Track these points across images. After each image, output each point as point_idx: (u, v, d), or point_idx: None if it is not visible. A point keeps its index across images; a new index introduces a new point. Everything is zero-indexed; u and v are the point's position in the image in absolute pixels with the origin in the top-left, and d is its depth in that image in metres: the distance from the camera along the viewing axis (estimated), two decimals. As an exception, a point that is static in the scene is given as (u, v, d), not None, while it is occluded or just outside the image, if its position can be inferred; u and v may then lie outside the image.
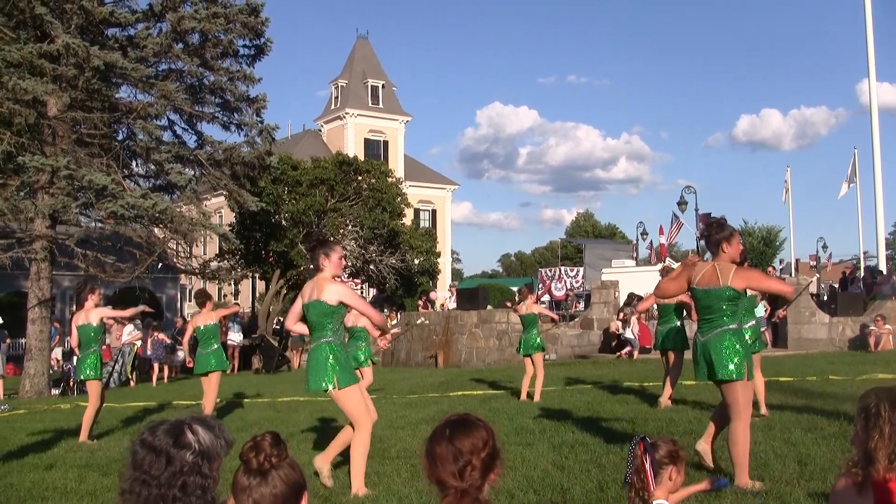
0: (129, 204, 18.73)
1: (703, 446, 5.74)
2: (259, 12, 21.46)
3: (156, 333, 21.86)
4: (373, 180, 32.40)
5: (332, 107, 57.19)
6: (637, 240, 37.05)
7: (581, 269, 33.55)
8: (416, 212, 52.84)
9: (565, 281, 33.24)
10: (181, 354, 22.34)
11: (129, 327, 20.04)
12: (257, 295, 37.77)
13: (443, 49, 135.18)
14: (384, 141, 56.28)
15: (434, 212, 59.16)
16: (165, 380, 20.92)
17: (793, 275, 30.67)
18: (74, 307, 13.43)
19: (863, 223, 38.53)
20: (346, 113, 55.09)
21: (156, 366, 21.24)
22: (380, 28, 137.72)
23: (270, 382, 18.28)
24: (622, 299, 20.89)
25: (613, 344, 19.98)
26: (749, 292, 7.97)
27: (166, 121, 21.71)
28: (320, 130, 58.38)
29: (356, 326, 11.46)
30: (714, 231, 5.54)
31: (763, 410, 8.18)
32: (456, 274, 74.51)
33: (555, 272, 34.78)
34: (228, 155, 22.02)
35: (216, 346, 10.28)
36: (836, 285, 27.80)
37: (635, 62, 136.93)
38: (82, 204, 19.54)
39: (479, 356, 19.85)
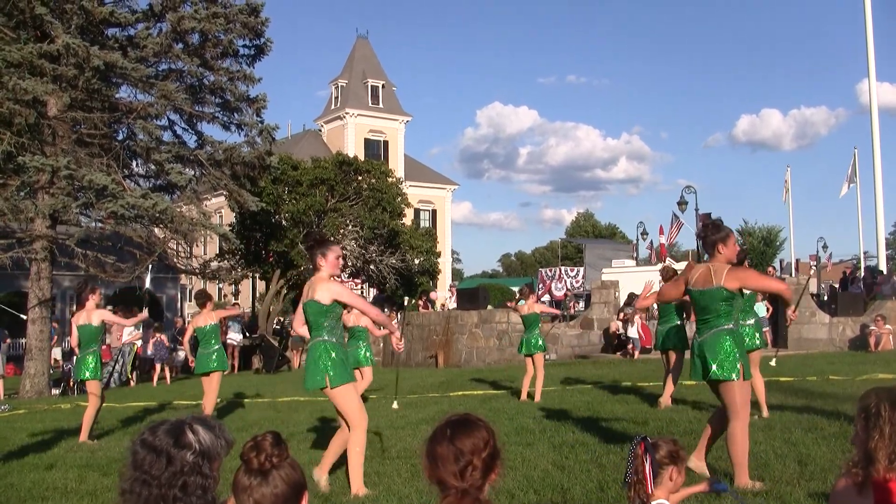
0: (129, 204, 18.73)
1: (696, 463, 5.66)
2: (259, 12, 21.47)
3: (158, 334, 21.89)
4: (373, 180, 32.42)
5: (333, 107, 57.20)
6: (637, 240, 37.04)
7: (581, 269, 33.54)
8: (417, 212, 52.85)
9: (565, 281, 33.23)
10: (182, 354, 22.36)
11: (130, 327, 20.03)
12: (257, 295, 37.77)
13: (443, 49, 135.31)
14: (384, 141, 56.28)
15: (434, 212, 59.16)
16: (167, 380, 20.93)
17: (793, 275, 30.68)
18: (74, 307, 13.44)
19: (863, 223, 38.58)
20: (347, 113, 55.09)
21: (158, 366, 21.25)
22: (380, 28, 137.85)
23: (271, 382, 18.28)
24: (622, 299, 20.90)
25: (615, 343, 19.98)
26: (747, 291, 8.02)
27: (166, 121, 21.73)
28: (320, 130, 58.39)
29: (357, 326, 11.47)
30: (710, 232, 5.58)
31: (765, 412, 8.17)
32: (456, 274, 74.53)
33: (555, 272, 34.77)
34: (228, 155, 22.03)
35: (217, 347, 10.30)
36: (837, 285, 27.79)
37: (635, 62, 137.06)
38: (82, 204, 19.54)
39: (479, 356, 19.85)
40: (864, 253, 36.94)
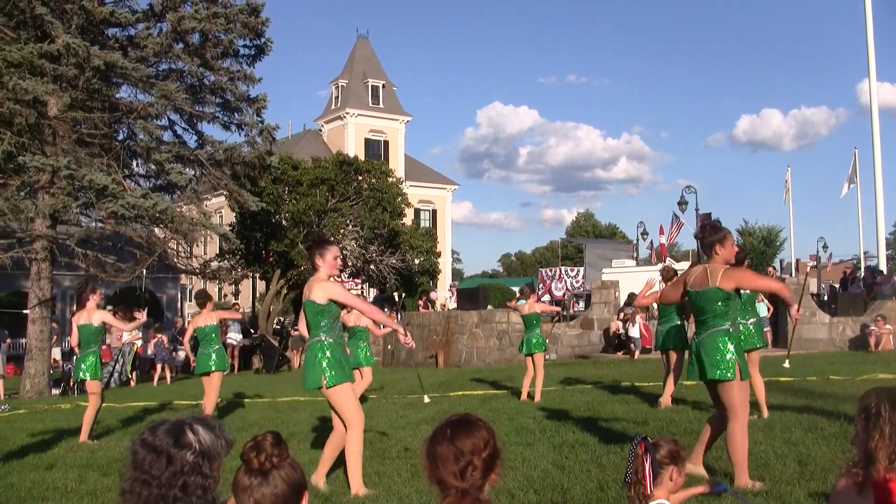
0: (129, 204, 18.74)
1: (691, 468, 5.68)
2: (259, 12, 21.48)
3: (159, 335, 21.92)
4: (373, 180, 32.42)
5: (333, 107, 57.20)
6: (637, 240, 37.02)
7: (581, 268, 33.54)
8: (417, 212, 52.84)
9: (566, 281, 33.23)
10: (182, 354, 22.38)
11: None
12: (258, 295, 37.78)
13: (443, 49, 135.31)
14: (384, 141, 56.28)
15: (434, 212, 59.16)
16: (167, 380, 20.94)
17: (793, 275, 30.66)
18: (75, 307, 13.45)
19: (863, 223, 38.56)
20: (347, 113, 55.09)
21: (159, 366, 21.29)
22: (380, 28, 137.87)
23: (271, 382, 18.28)
24: (622, 299, 20.89)
25: (615, 343, 19.98)
26: (744, 291, 8.01)
27: (167, 121, 21.74)
28: (321, 130, 58.38)
29: (357, 326, 11.48)
30: (707, 234, 5.61)
31: (765, 413, 8.17)
32: (456, 274, 74.54)
33: (555, 272, 34.77)
34: (229, 155, 22.04)
35: (217, 347, 10.30)
36: (837, 285, 27.79)
37: (635, 62, 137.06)
38: (83, 204, 19.55)
39: (479, 356, 19.85)
40: (865, 253, 36.94)
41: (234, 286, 41.47)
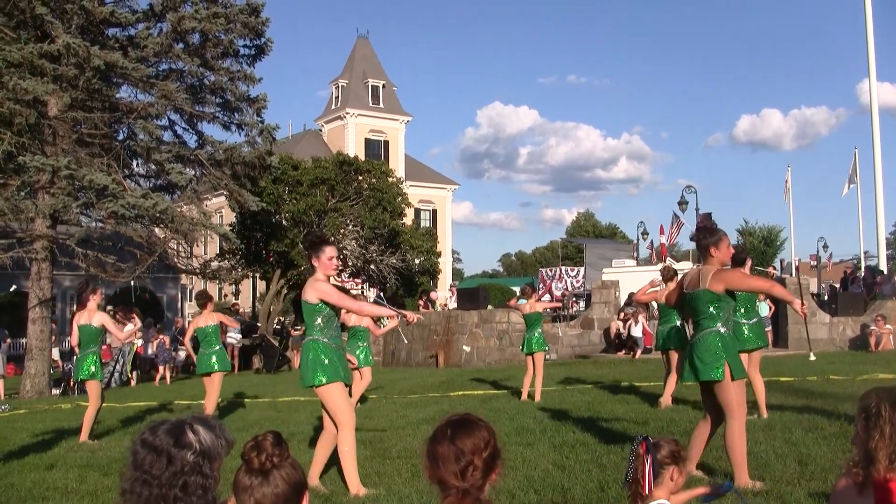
0: (129, 204, 18.74)
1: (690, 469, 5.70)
2: (259, 12, 21.47)
3: (160, 335, 21.95)
4: (373, 180, 32.43)
5: (333, 107, 57.21)
6: (638, 240, 37.02)
7: (581, 268, 33.53)
8: (417, 212, 52.85)
9: (566, 281, 33.23)
10: (182, 354, 22.40)
11: (129, 326, 20.03)
12: (258, 295, 37.79)
13: (443, 49, 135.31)
14: (385, 141, 56.29)
15: (434, 212, 59.17)
16: (167, 380, 20.96)
17: (793, 274, 30.65)
18: (75, 307, 13.46)
19: (863, 223, 38.54)
20: (347, 113, 55.10)
21: (161, 367, 21.35)
22: (380, 28, 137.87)
23: (271, 382, 18.29)
24: (622, 299, 20.89)
25: (615, 343, 19.98)
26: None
27: (167, 121, 21.74)
28: (321, 130, 58.39)
29: (358, 326, 11.47)
30: (702, 236, 5.68)
31: (764, 414, 8.17)
32: (456, 274, 74.54)
33: (555, 272, 34.77)
34: (229, 155, 22.04)
35: (218, 347, 10.31)
36: (837, 285, 27.78)
37: (635, 62, 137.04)
38: (83, 204, 19.55)
39: (479, 356, 19.85)
40: (865, 253, 36.93)
41: (234, 286, 41.48)
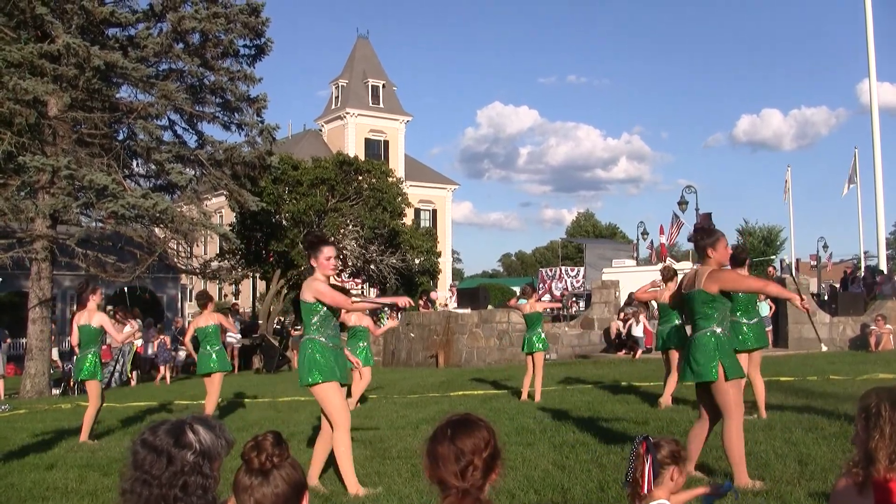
0: (129, 204, 18.74)
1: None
2: (259, 12, 21.47)
3: (161, 336, 21.97)
4: (373, 180, 32.42)
5: (333, 107, 57.20)
6: (638, 240, 37.01)
7: (581, 268, 33.52)
8: (417, 211, 52.85)
9: (566, 281, 33.22)
10: (182, 354, 22.41)
11: (128, 327, 20.05)
12: (258, 295, 37.79)
13: (443, 49, 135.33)
14: (385, 141, 56.28)
15: (434, 211, 59.17)
16: (167, 380, 20.97)
17: (793, 274, 30.65)
18: (75, 307, 13.45)
19: (863, 223, 38.53)
20: (347, 113, 55.10)
21: (162, 367, 21.37)
22: (380, 28, 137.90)
23: (271, 382, 18.28)
24: (622, 299, 20.89)
25: (615, 343, 19.97)
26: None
27: (167, 121, 21.74)
28: (321, 130, 58.39)
29: (358, 326, 11.48)
30: (699, 237, 5.74)
31: (763, 414, 8.17)
32: (456, 274, 74.55)
33: (555, 272, 34.77)
34: (229, 155, 22.03)
35: (218, 348, 10.32)
36: (837, 285, 27.77)
37: (635, 62, 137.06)
38: (83, 204, 19.55)
39: (479, 356, 19.85)
40: (865, 252, 36.91)
41: (234, 286, 41.48)
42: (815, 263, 41.24)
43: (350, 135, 54.92)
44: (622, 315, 20.22)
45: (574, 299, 27.90)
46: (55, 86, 18.10)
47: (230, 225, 28.84)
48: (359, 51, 57.98)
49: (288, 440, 2.22)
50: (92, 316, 9.35)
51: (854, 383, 10.78)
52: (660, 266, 15.51)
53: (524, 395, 11.17)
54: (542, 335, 11.34)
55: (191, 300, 47.15)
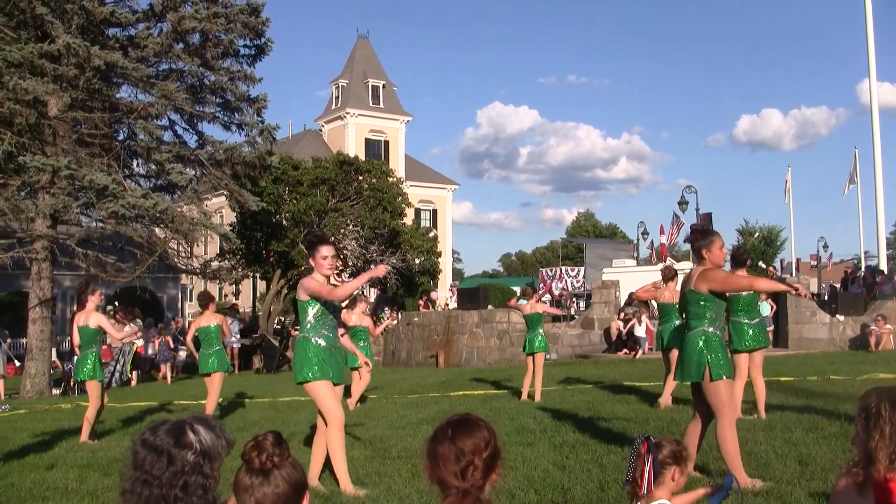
0: (129, 204, 18.74)
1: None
2: (260, 12, 21.47)
3: (163, 335, 21.99)
4: (373, 180, 32.40)
5: (333, 107, 57.21)
6: (638, 240, 37.01)
7: (582, 268, 33.54)
8: (417, 211, 52.85)
9: (566, 281, 33.24)
10: (182, 354, 22.42)
11: (129, 327, 20.06)
12: (258, 295, 37.78)
13: (443, 49, 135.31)
14: (385, 141, 56.29)
15: (435, 211, 59.17)
16: (168, 380, 20.98)
17: (793, 274, 30.68)
18: (75, 307, 13.44)
19: (863, 222, 38.51)
20: (347, 113, 55.10)
21: (163, 367, 21.37)
22: (380, 28, 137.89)
23: (271, 382, 18.28)
24: (623, 299, 20.89)
25: (615, 343, 19.96)
26: (746, 291, 8.03)
27: (167, 121, 21.74)
28: (321, 130, 58.39)
29: (358, 326, 11.49)
30: (694, 239, 5.82)
31: (762, 415, 8.16)
32: (457, 274, 74.53)
33: (556, 272, 34.78)
34: (229, 155, 22.03)
35: (218, 348, 10.34)
36: (838, 285, 27.77)
37: (635, 62, 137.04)
38: (83, 204, 19.55)
39: (479, 356, 19.85)
40: (865, 252, 36.91)
41: (234, 286, 41.47)
42: (816, 263, 41.27)
43: (350, 135, 54.93)
44: (622, 315, 20.22)
45: (573, 299, 27.92)
46: (55, 86, 18.10)
47: (230, 225, 28.84)
48: (359, 51, 57.98)
49: (288, 440, 2.22)
50: (89, 317, 9.36)
51: (854, 383, 10.78)
52: (660, 266, 15.53)
53: (524, 396, 11.17)
54: (543, 336, 11.35)
55: (191, 300, 47.17)
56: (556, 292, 32.30)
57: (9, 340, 20.98)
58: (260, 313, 30.35)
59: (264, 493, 2.11)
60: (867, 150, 28.05)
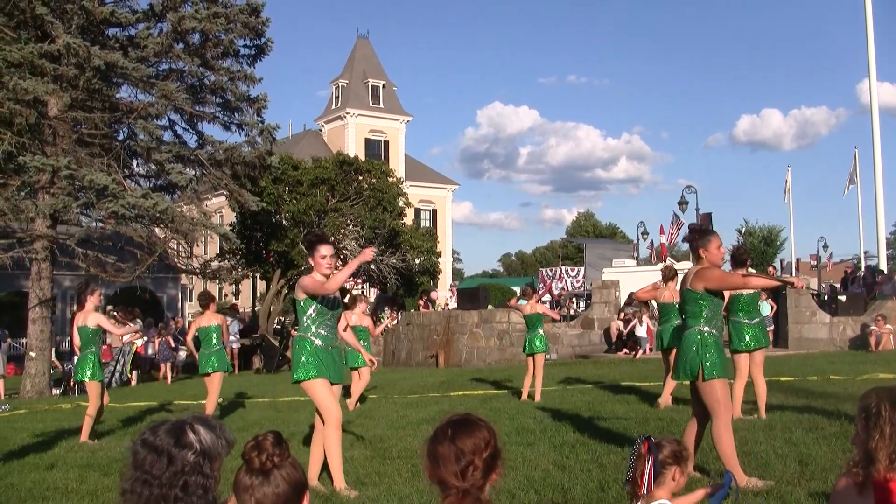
0: (129, 204, 18.73)
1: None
2: (260, 12, 21.47)
3: (164, 335, 21.99)
4: (373, 180, 32.39)
5: (333, 107, 57.20)
6: (638, 239, 37.03)
7: (582, 268, 33.56)
8: (417, 212, 52.84)
9: (566, 281, 33.25)
10: (182, 354, 22.42)
11: (129, 326, 20.06)
12: (258, 295, 37.78)
13: (443, 49, 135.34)
14: (385, 141, 56.28)
15: (435, 211, 59.16)
16: (168, 380, 20.97)
17: (793, 274, 30.65)
18: (75, 307, 13.43)
19: (863, 222, 38.52)
20: (347, 113, 55.09)
21: (163, 366, 21.37)
22: (380, 28, 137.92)
23: (271, 382, 18.28)
24: (623, 299, 20.89)
25: (615, 343, 19.96)
26: (746, 291, 8.04)
27: (167, 121, 21.74)
28: (321, 130, 58.38)
29: (358, 326, 11.48)
30: (692, 238, 5.85)
31: (763, 415, 8.16)
32: (457, 274, 74.54)
33: (555, 272, 34.79)
34: (229, 155, 22.03)
35: (217, 348, 10.34)
36: (838, 285, 27.77)
37: (635, 62, 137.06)
38: (83, 204, 19.55)
39: (479, 356, 19.85)
40: (865, 252, 36.93)
41: (234, 286, 41.45)
42: (816, 263, 41.28)
43: (350, 135, 54.93)
44: (622, 315, 20.22)
45: (572, 299, 27.91)
46: (55, 86, 18.10)
47: (230, 225, 28.83)
48: (359, 51, 57.98)
49: (288, 440, 2.22)
50: (87, 317, 9.37)
51: (854, 383, 10.78)
52: (660, 266, 15.53)
53: (524, 396, 11.17)
54: (543, 336, 11.35)
55: (191, 300, 47.19)
56: (556, 292, 32.31)
57: (8, 340, 20.97)
58: (260, 313, 30.33)
59: (264, 493, 2.11)
60: (867, 150, 28.08)
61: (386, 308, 26.01)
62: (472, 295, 21.70)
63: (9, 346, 21.43)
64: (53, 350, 23.47)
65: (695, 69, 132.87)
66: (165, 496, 2.04)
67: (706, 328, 5.53)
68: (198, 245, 26.46)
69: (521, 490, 5.48)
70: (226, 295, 48.44)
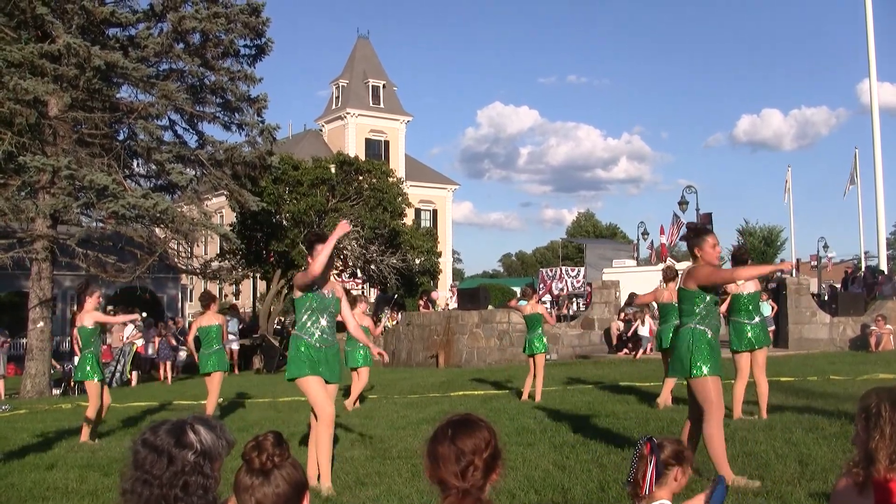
0: (130, 204, 18.73)
1: None
2: (260, 12, 21.47)
3: (164, 335, 21.99)
4: (374, 180, 32.39)
5: (333, 107, 57.20)
6: (638, 240, 37.03)
7: (582, 268, 33.55)
8: (417, 212, 52.84)
9: (566, 281, 33.25)
10: (183, 354, 22.42)
11: (130, 327, 20.09)
12: (258, 295, 37.77)
13: (443, 49, 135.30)
14: (385, 141, 56.28)
15: (435, 212, 59.16)
16: (168, 380, 20.97)
17: (793, 274, 30.60)
18: (75, 307, 13.43)
19: (864, 223, 38.52)
20: (347, 113, 55.09)
21: (165, 365, 21.37)
22: (380, 28, 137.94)
23: (271, 382, 18.28)
24: (623, 299, 20.88)
25: (615, 343, 19.97)
26: (747, 291, 8.04)
27: (167, 121, 21.73)
28: (321, 130, 58.38)
29: (360, 326, 11.45)
30: (688, 238, 5.94)
31: (763, 415, 8.16)
32: (457, 274, 74.53)
33: (556, 272, 34.79)
34: (229, 155, 22.03)
35: (217, 348, 10.35)
36: (838, 285, 27.77)
37: (635, 62, 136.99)
38: (83, 204, 19.55)
39: (480, 356, 19.85)
40: (865, 253, 36.92)
41: (234, 286, 41.46)
42: (816, 263, 41.28)
43: (350, 135, 54.93)
44: (622, 315, 20.22)
45: (571, 299, 27.91)
46: (55, 86, 18.10)
47: (230, 225, 28.83)
48: (359, 51, 57.98)
49: (288, 440, 2.22)
50: (84, 317, 9.38)
51: (854, 383, 10.78)
52: (660, 266, 15.54)
53: (525, 396, 11.17)
54: (543, 336, 11.35)
55: (191, 300, 47.21)
56: (556, 292, 32.30)
57: (9, 340, 20.96)
58: (260, 313, 30.34)
59: (264, 494, 2.11)
60: (867, 150, 28.08)
61: (386, 308, 26.02)
62: (473, 295, 21.70)
63: (9, 345, 21.42)
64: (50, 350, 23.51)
65: (695, 69, 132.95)
66: (166, 496, 2.04)
67: (700, 326, 5.56)
68: (198, 245, 26.46)
69: (522, 490, 5.49)
70: (226, 295, 48.45)
